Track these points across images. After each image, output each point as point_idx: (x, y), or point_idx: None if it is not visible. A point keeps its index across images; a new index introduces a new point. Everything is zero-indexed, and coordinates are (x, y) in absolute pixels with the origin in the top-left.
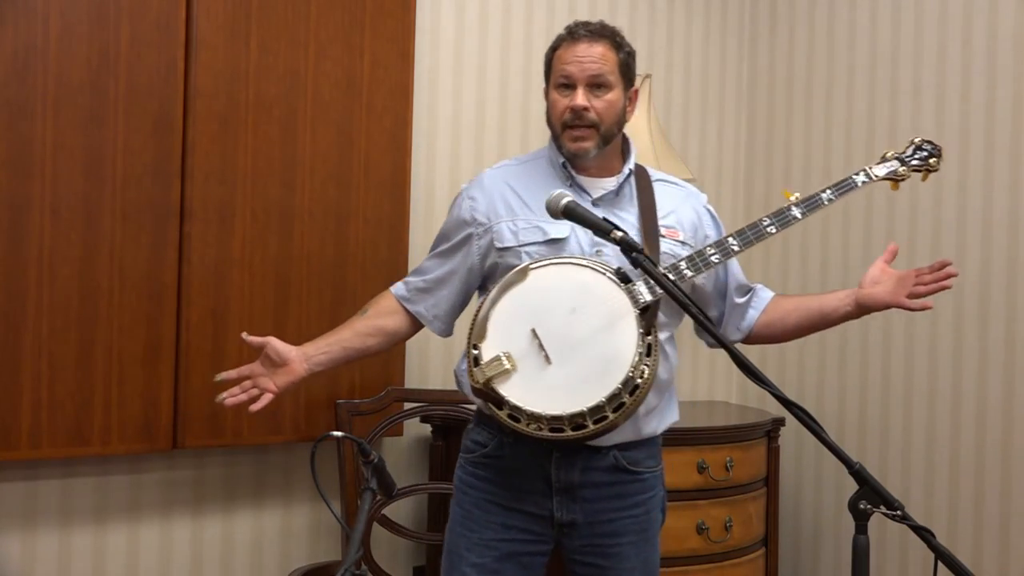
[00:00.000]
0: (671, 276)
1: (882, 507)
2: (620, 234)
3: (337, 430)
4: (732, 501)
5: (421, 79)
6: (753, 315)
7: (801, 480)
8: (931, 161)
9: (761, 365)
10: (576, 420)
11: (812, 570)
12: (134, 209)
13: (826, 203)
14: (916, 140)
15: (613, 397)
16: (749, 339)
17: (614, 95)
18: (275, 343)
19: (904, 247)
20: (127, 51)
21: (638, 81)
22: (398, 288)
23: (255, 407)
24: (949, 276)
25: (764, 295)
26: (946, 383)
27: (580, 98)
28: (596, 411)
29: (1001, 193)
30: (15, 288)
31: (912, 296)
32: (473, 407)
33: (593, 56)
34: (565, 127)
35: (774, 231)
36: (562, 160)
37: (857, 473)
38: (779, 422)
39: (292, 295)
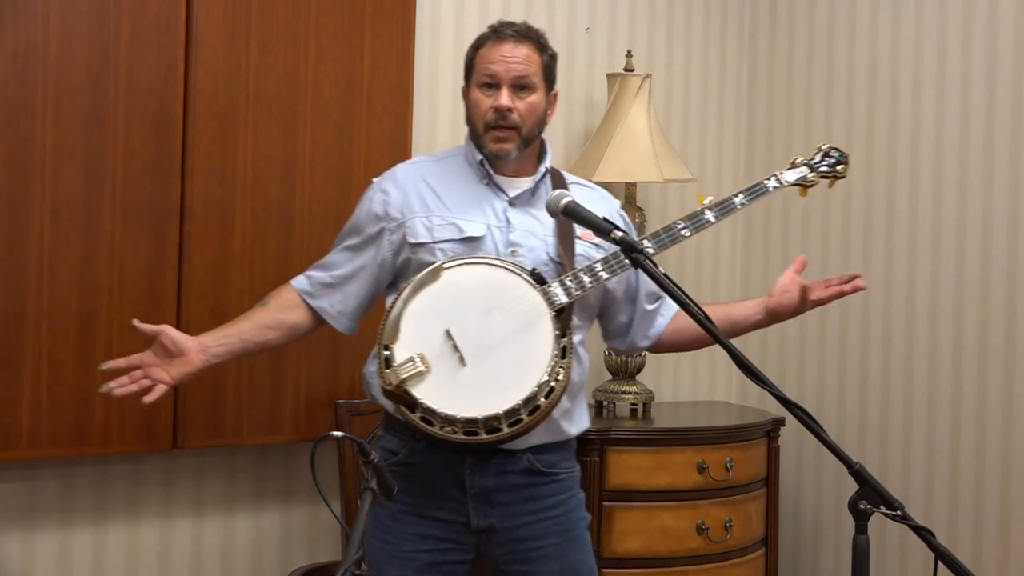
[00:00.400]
0: (586, 278)
1: (882, 507)
2: (620, 234)
3: (337, 430)
4: (732, 501)
5: (421, 79)
6: (662, 322)
7: (801, 480)
8: (838, 168)
9: (761, 365)
10: (491, 423)
11: (812, 570)
12: (134, 209)
13: (739, 207)
14: (824, 147)
15: (529, 400)
16: (656, 347)
17: (537, 97)
18: (171, 332)
19: (904, 247)
20: (127, 51)
21: (638, 81)
22: (299, 282)
23: (148, 399)
24: (857, 289)
25: (672, 303)
26: (946, 383)
27: (504, 98)
28: (511, 414)
29: (1001, 193)
30: (15, 288)
31: (816, 301)
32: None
33: (518, 57)
34: (488, 127)
35: (688, 234)
36: (479, 158)
37: (857, 473)
38: (779, 422)
39: None
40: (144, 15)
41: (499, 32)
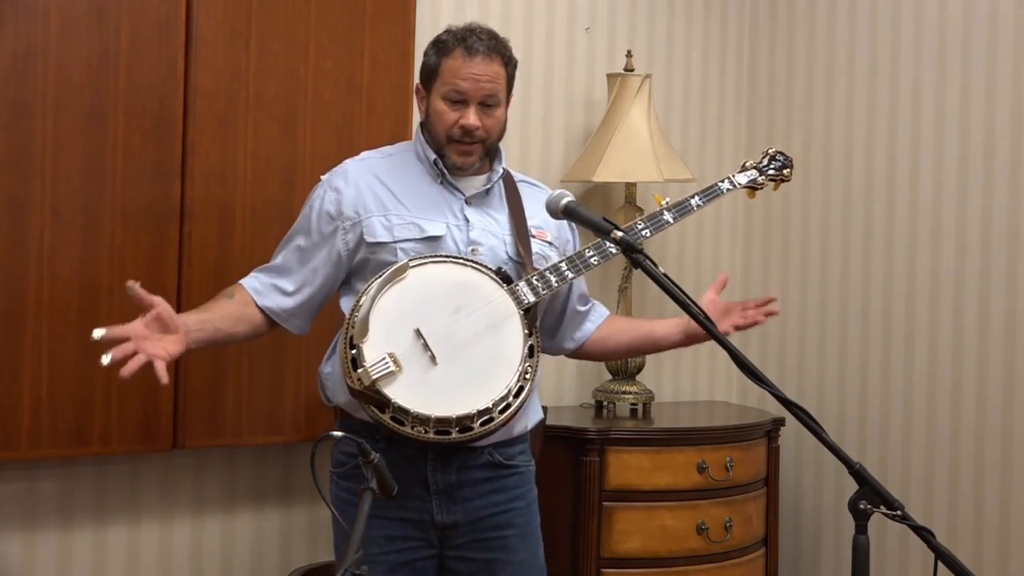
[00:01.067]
0: (552, 277)
1: (882, 507)
2: (620, 234)
3: (337, 430)
4: (732, 501)
5: None
6: (590, 328)
7: (801, 480)
8: (784, 172)
9: (761, 365)
10: (464, 422)
11: (812, 570)
12: (134, 209)
13: (695, 208)
14: (770, 151)
15: (501, 399)
16: (579, 351)
17: (502, 110)
18: (168, 308)
19: (905, 247)
20: (127, 51)
21: (638, 81)
22: (249, 283)
23: (163, 380)
24: (770, 313)
25: (602, 310)
26: (946, 383)
27: (472, 118)
28: (484, 412)
29: (1001, 193)
30: (15, 288)
31: (734, 327)
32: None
33: (489, 75)
34: (451, 140)
35: (648, 234)
36: (433, 157)
37: (857, 473)
38: (779, 422)
39: None
40: (144, 15)
41: (469, 46)
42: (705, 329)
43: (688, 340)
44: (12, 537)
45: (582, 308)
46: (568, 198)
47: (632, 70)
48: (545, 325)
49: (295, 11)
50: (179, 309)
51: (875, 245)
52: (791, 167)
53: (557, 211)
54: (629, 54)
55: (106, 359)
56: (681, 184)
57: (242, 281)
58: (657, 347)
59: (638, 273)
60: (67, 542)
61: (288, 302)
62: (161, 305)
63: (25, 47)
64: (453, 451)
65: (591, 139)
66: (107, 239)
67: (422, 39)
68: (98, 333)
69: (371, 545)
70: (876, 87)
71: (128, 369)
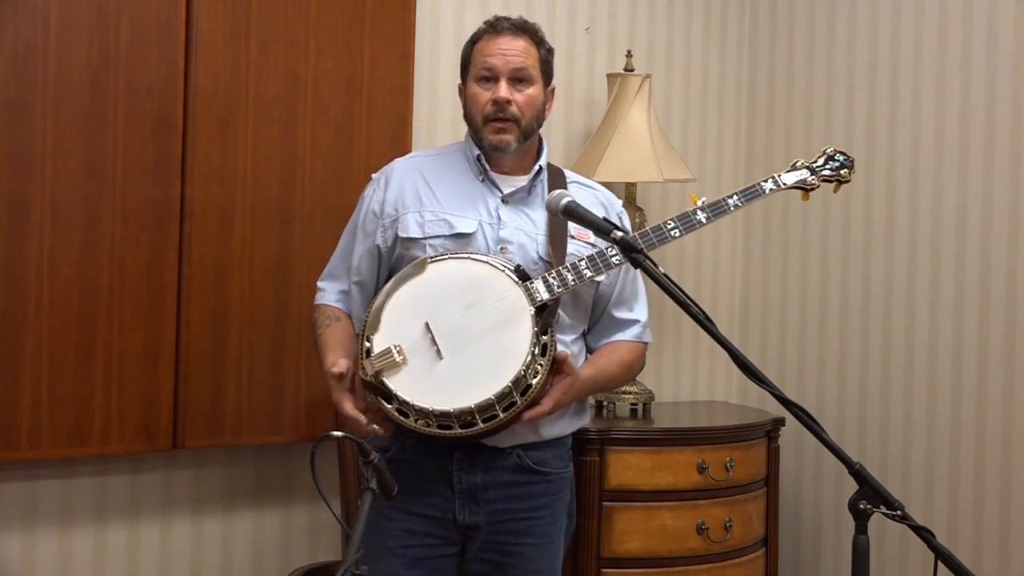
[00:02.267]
0: (569, 275)
1: (882, 507)
2: (620, 234)
3: (337, 430)
4: (732, 501)
5: (421, 79)
6: (617, 337)
7: (801, 480)
8: (842, 172)
9: (761, 365)
10: (464, 417)
11: (812, 570)
12: (134, 209)
13: (732, 209)
14: (828, 150)
15: (503, 395)
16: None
17: (535, 90)
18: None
19: (904, 247)
20: (127, 51)
21: (638, 81)
22: (327, 298)
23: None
24: None
25: (632, 333)
26: (946, 383)
27: (503, 90)
28: (485, 409)
29: (1001, 193)
30: (15, 288)
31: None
32: None
33: (516, 50)
34: (487, 120)
35: (678, 234)
36: (477, 153)
37: (857, 473)
38: (779, 422)
39: (292, 295)
40: (144, 15)
41: (495, 26)
42: (705, 329)
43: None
44: (12, 537)
45: (619, 315)
46: (568, 198)
47: (632, 70)
48: (589, 325)
49: (295, 11)
50: (179, 308)
51: (875, 245)
52: (851, 167)
53: (557, 211)
54: (629, 54)
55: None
56: (681, 184)
57: (322, 301)
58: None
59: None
60: (67, 542)
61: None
62: (350, 370)
63: (25, 47)
64: (479, 451)
65: (591, 139)
66: (107, 239)
67: (422, 39)
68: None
69: (389, 537)
70: (876, 87)
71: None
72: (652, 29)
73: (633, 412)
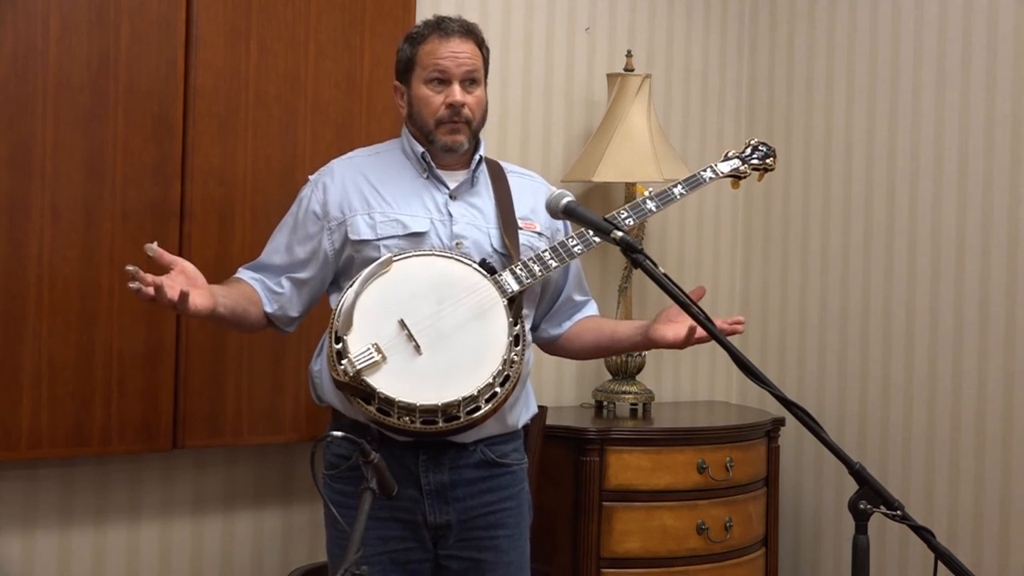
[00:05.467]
0: (536, 267)
1: (882, 507)
2: (620, 234)
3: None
4: (732, 501)
5: None
6: (578, 318)
7: (801, 480)
8: (767, 161)
9: (761, 365)
10: (450, 411)
11: (812, 570)
12: (134, 209)
13: (678, 197)
14: (752, 141)
15: (487, 387)
16: (553, 346)
17: (482, 91)
18: (193, 266)
19: (905, 247)
20: (127, 51)
21: (638, 81)
22: (252, 282)
23: (186, 301)
24: (734, 332)
25: (590, 309)
26: (946, 382)
27: (458, 94)
28: (470, 401)
29: (1001, 193)
30: (15, 288)
31: (699, 339)
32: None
33: (467, 52)
34: (440, 123)
35: (632, 222)
36: (421, 151)
37: (857, 473)
38: (779, 422)
39: None
40: (144, 15)
41: (444, 28)
42: (705, 329)
43: (649, 343)
44: (12, 537)
45: (579, 298)
46: (568, 198)
47: (632, 70)
48: (539, 314)
49: (295, 11)
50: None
51: (875, 245)
52: (774, 156)
53: (557, 211)
54: (629, 54)
55: (130, 267)
56: None
57: (245, 278)
58: (617, 347)
59: (638, 273)
60: (67, 542)
61: (285, 302)
62: (186, 263)
63: (25, 47)
64: (444, 450)
65: (591, 139)
66: (107, 239)
67: None
68: (152, 250)
69: (365, 546)
70: (876, 87)
71: (145, 291)
72: (652, 29)
73: (633, 412)
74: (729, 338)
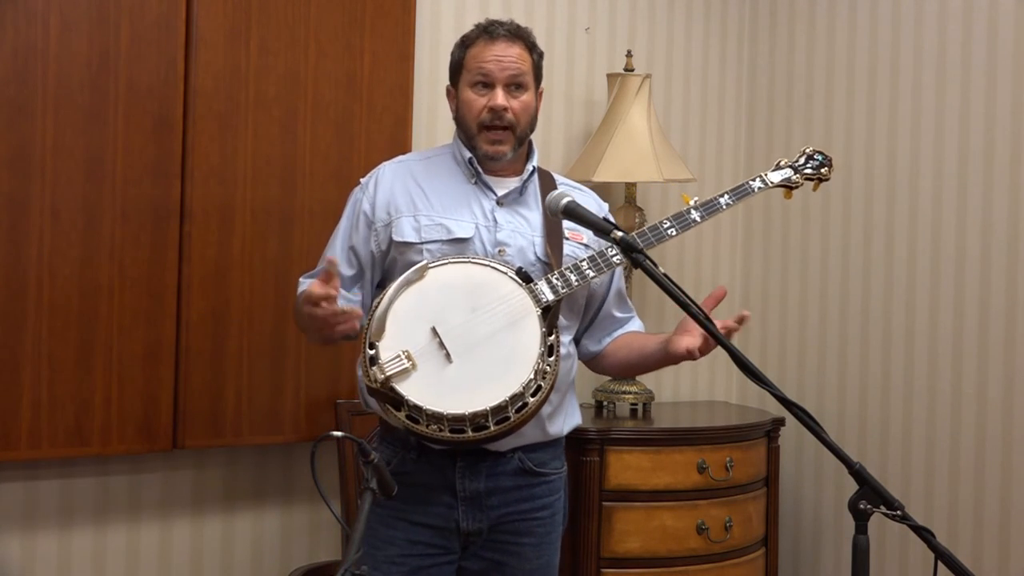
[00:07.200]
0: (572, 276)
1: (882, 507)
2: (620, 234)
3: (337, 430)
4: (732, 501)
5: (421, 79)
6: (618, 334)
7: (801, 480)
8: (822, 170)
9: (761, 365)
10: (478, 420)
11: (812, 570)
12: (134, 209)
13: (724, 207)
14: (807, 150)
15: (516, 397)
16: (595, 362)
17: (529, 96)
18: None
19: (905, 247)
20: (127, 51)
21: (638, 81)
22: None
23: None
24: (735, 329)
25: (633, 325)
26: (946, 383)
27: (500, 98)
28: (498, 411)
29: (1001, 193)
30: (15, 288)
31: (711, 349)
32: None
33: (512, 56)
34: (482, 127)
35: (674, 233)
36: (469, 156)
37: (857, 473)
38: (779, 422)
39: (292, 295)
40: (144, 15)
41: (491, 31)
42: (705, 329)
43: (668, 357)
44: (12, 537)
45: (619, 314)
46: (568, 198)
47: (632, 70)
48: (580, 328)
49: (295, 11)
50: (179, 308)
51: (875, 245)
52: (830, 166)
53: (557, 211)
54: (629, 54)
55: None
56: (681, 184)
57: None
58: (647, 363)
59: (638, 273)
60: (67, 542)
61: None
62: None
63: (25, 47)
64: (482, 457)
65: (591, 139)
66: (107, 239)
67: (422, 39)
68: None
69: (391, 546)
70: (876, 87)
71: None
72: (652, 29)
73: (633, 412)
74: (729, 338)
